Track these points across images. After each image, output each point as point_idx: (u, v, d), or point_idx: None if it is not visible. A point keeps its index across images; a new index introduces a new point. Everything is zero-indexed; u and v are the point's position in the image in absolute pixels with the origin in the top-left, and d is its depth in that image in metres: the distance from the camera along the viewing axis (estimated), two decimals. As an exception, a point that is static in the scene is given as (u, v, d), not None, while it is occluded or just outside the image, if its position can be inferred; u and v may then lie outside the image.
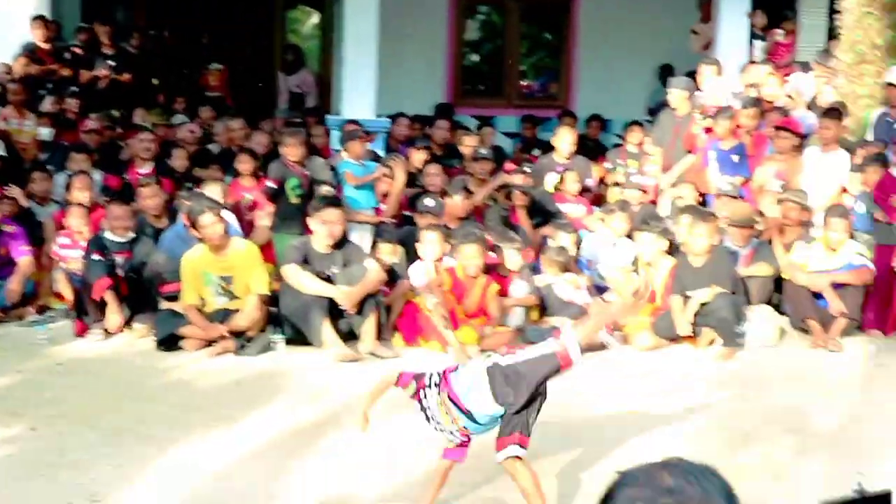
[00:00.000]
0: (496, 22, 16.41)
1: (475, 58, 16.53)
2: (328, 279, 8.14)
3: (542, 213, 10.34)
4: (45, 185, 10.38)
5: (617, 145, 12.58)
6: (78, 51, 13.84)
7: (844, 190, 9.80)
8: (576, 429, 6.11)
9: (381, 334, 8.19)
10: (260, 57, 16.42)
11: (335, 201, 8.67)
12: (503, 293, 8.64)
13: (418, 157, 11.25)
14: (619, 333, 8.30)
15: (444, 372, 4.73)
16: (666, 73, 14.50)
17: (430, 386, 4.67)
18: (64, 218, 9.56)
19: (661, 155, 11.02)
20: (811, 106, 11.27)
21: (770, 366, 7.87)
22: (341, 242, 8.35)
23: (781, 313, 8.86)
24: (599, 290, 9.07)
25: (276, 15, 16.66)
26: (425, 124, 12.97)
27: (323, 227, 8.18)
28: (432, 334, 8.12)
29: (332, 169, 10.50)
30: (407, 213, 10.32)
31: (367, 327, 8.02)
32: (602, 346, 7.99)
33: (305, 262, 8.16)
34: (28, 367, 7.43)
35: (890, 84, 11.09)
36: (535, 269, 9.04)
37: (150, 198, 9.32)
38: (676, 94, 11.02)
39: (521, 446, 4.61)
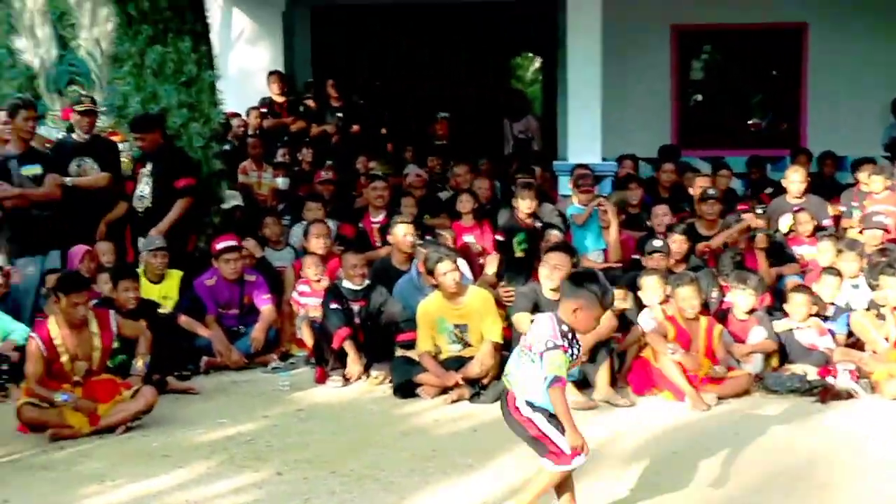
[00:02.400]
0: (720, 60, 16.12)
1: (700, 98, 16.27)
2: (558, 325, 8.09)
3: (777, 256, 10.03)
4: (276, 230, 10.78)
5: (850, 185, 12.11)
6: (310, 104, 14.38)
7: None
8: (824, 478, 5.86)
9: (615, 382, 8.10)
10: (485, 104, 16.64)
11: (563, 246, 8.65)
12: (740, 339, 8.42)
13: (634, 194, 11.14)
14: (866, 381, 7.93)
15: None
16: (901, 106, 13.96)
17: None
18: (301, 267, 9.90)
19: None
20: None
21: None
22: (567, 286, 8.30)
23: None
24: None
25: (501, 62, 16.86)
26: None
27: (552, 272, 8.16)
28: (665, 384, 7.96)
29: (561, 215, 10.51)
30: (636, 256, 10.21)
31: (601, 375, 7.93)
32: (848, 395, 7.66)
33: (536, 308, 8.15)
34: (272, 412, 7.68)
35: None
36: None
37: (406, 235, 9.51)
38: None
39: None
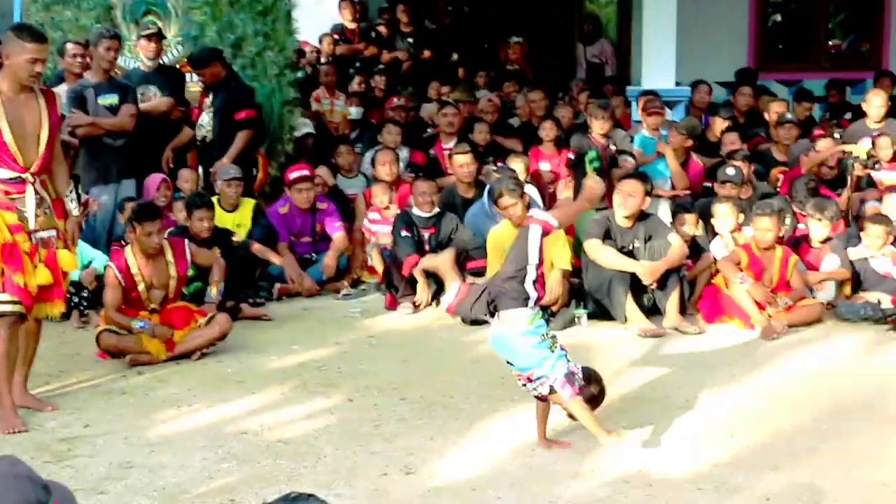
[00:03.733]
0: (800, -21, 15.71)
1: (780, 19, 15.88)
2: (630, 253, 8.09)
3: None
4: (349, 159, 10.84)
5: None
6: (382, 30, 14.33)
7: None
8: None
9: (685, 309, 8.08)
10: (558, 28, 16.42)
11: (637, 174, 8.58)
12: (814, 267, 8.33)
13: (719, 124, 10.98)
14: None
15: None
16: None
17: None
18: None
19: None
20: None
21: None
22: (643, 216, 8.26)
23: None
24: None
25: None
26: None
27: (626, 200, 8.11)
28: (735, 311, 7.91)
29: (633, 140, 10.40)
30: (708, 183, 10.10)
31: (671, 302, 7.92)
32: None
33: (607, 236, 8.13)
34: (343, 339, 7.80)
35: None
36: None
37: (463, 166, 9.50)
38: None
39: None
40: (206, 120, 10.11)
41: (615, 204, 8.20)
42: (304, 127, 11.25)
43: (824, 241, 8.49)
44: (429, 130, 11.89)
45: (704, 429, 5.67)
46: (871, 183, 9.99)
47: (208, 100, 10.11)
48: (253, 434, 5.70)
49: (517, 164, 9.49)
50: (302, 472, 5.12)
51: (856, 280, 8.44)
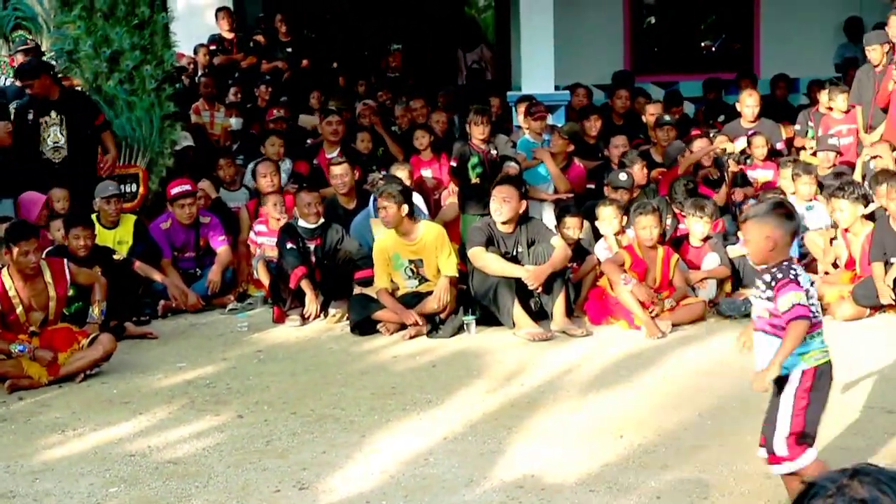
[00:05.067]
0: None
1: (654, 21, 16.18)
2: (514, 258, 8.15)
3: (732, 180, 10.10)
4: (230, 171, 10.75)
5: (804, 106, 12.15)
6: (260, 39, 14.22)
7: None
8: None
9: (571, 312, 8.17)
10: (439, 35, 16.50)
11: (507, 178, 8.62)
12: (695, 266, 8.50)
13: (593, 126, 11.14)
14: (819, 303, 8.00)
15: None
16: (853, 26, 13.94)
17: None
18: (257, 206, 9.86)
19: (861, 113, 10.60)
20: None
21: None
22: (524, 220, 8.33)
23: None
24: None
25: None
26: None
27: (501, 206, 8.16)
28: (621, 312, 8.03)
29: (515, 145, 10.49)
30: (591, 186, 10.25)
31: (557, 305, 7.99)
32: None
33: (490, 242, 8.17)
34: (231, 354, 7.72)
35: None
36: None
37: (342, 177, 9.47)
38: (875, 49, 10.55)
39: None
40: (61, 140, 9.72)
41: (492, 210, 8.25)
42: (184, 140, 11.10)
43: (704, 240, 8.66)
44: (308, 141, 11.83)
45: (594, 430, 5.73)
46: (747, 181, 10.25)
47: (50, 118, 9.72)
48: (141, 456, 5.59)
49: (401, 172, 9.51)
50: (192, 493, 5.04)
51: (736, 277, 8.64)
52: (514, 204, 8.11)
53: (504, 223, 8.15)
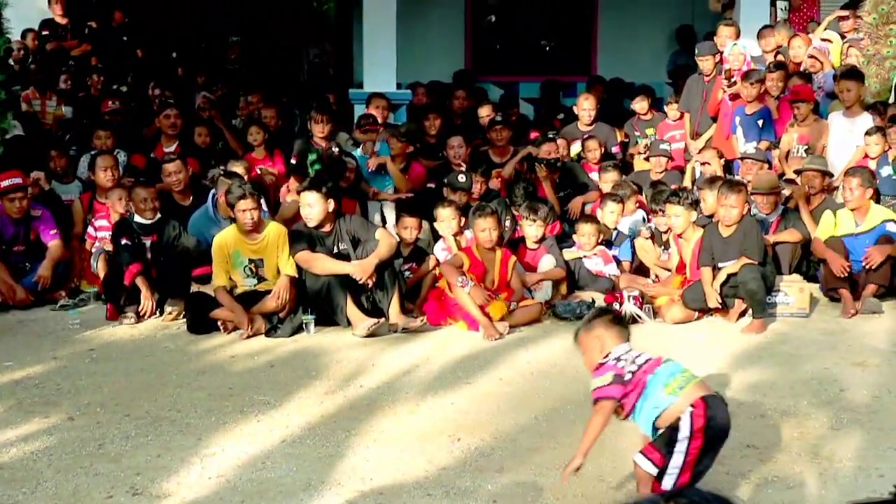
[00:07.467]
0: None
1: (495, 23, 16.31)
2: (342, 256, 8.14)
3: (573, 184, 10.29)
4: (61, 162, 10.42)
5: (632, 113, 12.50)
6: (94, 25, 13.84)
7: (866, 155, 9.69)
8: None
9: (406, 306, 8.18)
10: (280, 27, 16.30)
11: (311, 182, 8.53)
12: (532, 267, 8.64)
13: (432, 125, 11.22)
14: (650, 306, 8.27)
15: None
16: (685, 34, 14.37)
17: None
18: (92, 199, 9.60)
19: (689, 121, 10.96)
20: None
21: (801, 336, 7.83)
22: (339, 216, 8.33)
23: (813, 280, 8.85)
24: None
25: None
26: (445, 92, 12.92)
27: (308, 211, 8.19)
28: (459, 313, 8.10)
29: (357, 144, 10.49)
30: (431, 185, 10.32)
31: (393, 301, 8.00)
32: (633, 320, 7.96)
33: (313, 244, 8.15)
34: (62, 353, 7.50)
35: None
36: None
37: (175, 174, 9.30)
38: (706, 59, 10.92)
39: None
40: None
41: (302, 216, 8.26)
42: (15, 129, 10.72)
43: (539, 242, 8.81)
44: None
45: (432, 432, 5.78)
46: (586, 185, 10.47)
47: None
48: (-35, 461, 5.40)
49: (238, 168, 9.41)
50: (20, 499, 4.90)
51: (571, 279, 8.82)
52: (322, 206, 8.10)
53: (317, 227, 8.14)
